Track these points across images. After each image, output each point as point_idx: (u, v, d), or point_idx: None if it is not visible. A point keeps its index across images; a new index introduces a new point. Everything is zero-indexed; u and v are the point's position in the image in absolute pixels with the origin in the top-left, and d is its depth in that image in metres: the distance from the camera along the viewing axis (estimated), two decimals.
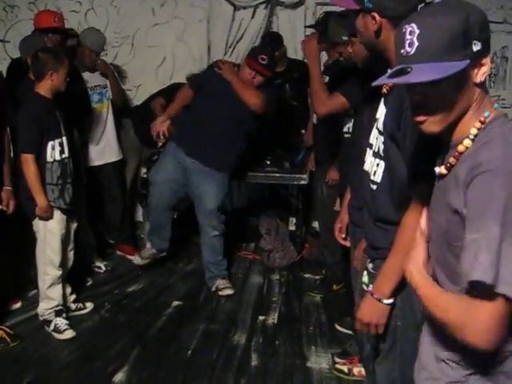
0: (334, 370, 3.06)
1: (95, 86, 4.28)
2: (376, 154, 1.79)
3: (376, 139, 1.79)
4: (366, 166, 1.86)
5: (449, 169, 1.22)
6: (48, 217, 3.24)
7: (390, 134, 1.68)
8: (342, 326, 3.46)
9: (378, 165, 1.78)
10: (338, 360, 3.09)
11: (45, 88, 3.20)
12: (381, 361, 1.89)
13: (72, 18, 4.86)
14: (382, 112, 1.75)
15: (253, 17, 5.09)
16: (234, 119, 3.75)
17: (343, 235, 2.55)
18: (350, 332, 3.33)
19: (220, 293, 3.91)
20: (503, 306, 1.08)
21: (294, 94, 4.62)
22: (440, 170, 1.25)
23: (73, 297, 3.61)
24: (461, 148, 1.18)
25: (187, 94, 3.95)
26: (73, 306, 3.59)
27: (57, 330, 3.34)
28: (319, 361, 3.16)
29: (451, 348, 1.27)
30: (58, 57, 3.19)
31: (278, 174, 4.40)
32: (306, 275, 4.34)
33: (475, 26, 1.14)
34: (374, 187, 1.80)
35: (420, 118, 1.21)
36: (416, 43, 1.14)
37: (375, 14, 1.65)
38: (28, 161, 3.13)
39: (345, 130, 3.22)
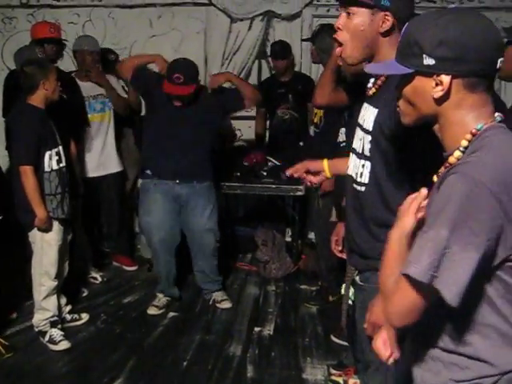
0: (330, 381, 3.05)
1: (98, 95, 4.28)
2: (361, 155, 1.78)
3: (360, 140, 1.78)
4: (349, 171, 1.85)
5: (440, 179, 1.22)
6: (47, 228, 3.24)
7: (382, 131, 1.67)
8: (338, 338, 3.46)
9: (363, 166, 1.77)
10: (333, 371, 3.09)
11: (38, 99, 3.20)
12: (373, 372, 1.89)
13: (70, 29, 4.87)
14: (367, 113, 1.74)
15: (249, 29, 5.11)
16: (195, 124, 3.63)
17: (340, 248, 2.55)
18: (345, 343, 3.33)
19: (218, 305, 3.89)
20: (422, 298, 1.13)
21: (296, 106, 4.65)
22: (434, 180, 1.26)
23: (68, 307, 3.61)
24: (451, 160, 1.19)
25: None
26: (68, 317, 3.59)
27: (52, 341, 3.33)
28: (315, 372, 3.15)
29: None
30: (44, 65, 3.21)
31: (274, 185, 4.40)
32: (302, 286, 4.34)
33: (432, 41, 1.15)
34: (362, 189, 1.78)
35: (397, 109, 1.31)
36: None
37: (389, 14, 1.62)
38: (27, 172, 3.13)
39: (340, 139, 3.24)
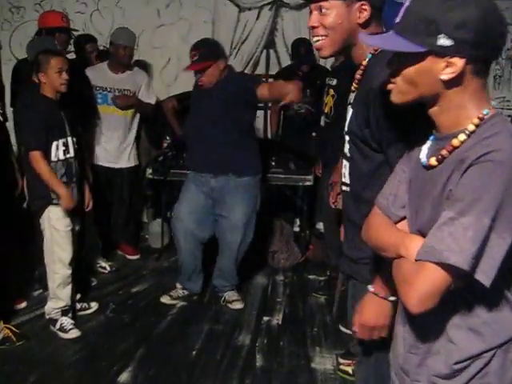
0: (339, 370, 3.05)
1: (124, 90, 4.29)
2: (345, 157, 1.75)
3: (345, 141, 1.75)
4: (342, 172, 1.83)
5: (440, 161, 1.21)
6: (73, 204, 3.24)
7: (355, 132, 1.64)
8: (346, 327, 3.45)
9: (345, 166, 1.74)
10: (342, 361, 3.08)
11: (45, 90, 3.20)
12: (358, 364, 1.88)
13: (77, 19, 4.89)
14: (348, 113, 1.71)
15: (258, 18, 5.11)
16: (226, 118, 3.51)
17: None
18: None
19: (229, 305, 3.81)
20: (451, 281, 1.12)
21: (312, 100, 4.62)
22: (430, 161, 1.24)
23: (78, 296, 3.62)
24: (455, 142, 1.17)
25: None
26: (78, 306, 3.60)
27: (62, 329, 3.35)
28: (323, 361, 3.16)
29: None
30: (45, 57, 3.18)
31: (283, 175, 4.40)
32: (311, 276, 4.35)
33: (454, 21, 1.11)
34: (347, 189, 1.76)
35: (389, 86, 1.26)
36: (401, 14, 1.19)
37: (365, 3, 1.56)
38: (36, 157, 3.14)
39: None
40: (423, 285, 1.13)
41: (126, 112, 4.32)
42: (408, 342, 1.34)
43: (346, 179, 1.75)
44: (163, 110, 4.51)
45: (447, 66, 1.14)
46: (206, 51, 3.46)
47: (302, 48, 4.56)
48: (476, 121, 1.16)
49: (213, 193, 3.64)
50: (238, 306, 3.82)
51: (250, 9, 5.07)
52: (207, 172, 3.61)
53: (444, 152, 1.20)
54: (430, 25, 1.12)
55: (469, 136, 1.16)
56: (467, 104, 1.18)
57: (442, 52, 1.13)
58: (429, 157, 1.25)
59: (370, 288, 1.60)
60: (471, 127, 1.16)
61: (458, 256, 1.08)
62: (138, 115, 4.43)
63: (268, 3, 5.06)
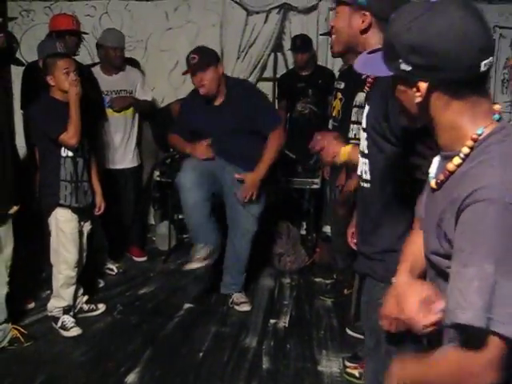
0: (345, 373, 3.05)
1: (121, 90, 4.31)
2: (362, 154, 1.79)
3: (362, 139, 1.79)
4: (358, 171, 1.86)
5: (439, 185, 1.18)
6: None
7: (374, 127, 1.68)
8: (353, 331, 3.46)
9: (365, 163, 1.78)
10: (348, 364, 3.08)
11: (55, 92, 3.24)
12: (368, 359, 1.90)
13: (86, 22, 4.91)
14: (364, 110, 1.77)
15: (265, 22, 5.12)
16: (240, 130, 3.58)
17: (355, 240, 2.55)
18: (361, 336, 3.33)
19: (237, 307, 3.80)
20: (498, 348, 1.01)
21: (315, 100, 4.65)
22: (431, 183, 1.21)
23: (85, 298, 3.64)
24: (450, 167, 1.13)
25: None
26: (85, 307, 3.62)
27: (63, 327, 3.38)
28: (330, 364, 3.16)
29: None
30: (52, 60, 3.20)
31: (290, 178, 4.41)
32: (317, 279, 4.35)
33: (405, 47, 1.08)
34: (368, 185, 1.79)
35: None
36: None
37: (366, 13, 1.68)
38: (64, 137, 3.15)
39: (350, 135, 3.23)
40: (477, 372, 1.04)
41: (125, 112, 4.35)
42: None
43: (367, 175, 1.78)
44: (171, 112, 4.53)
45: (417, 90, 1.11)
46: (206, 55, 3.53)
47: (297, 40, 4.66)
48: (470, 143, 1.10)
49: (223, 169, 3.65)
50: (246, 308, 3.81)
51: (258, 12, 5.09)
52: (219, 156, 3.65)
53: (441, 177, 1.16)
54: (391, 50, 1.12)
55: (464, 160, 1.11)
56: (458, 123, 1.12)
57: (406, 76, 1.12)
58: (436, 175, 1.21)
59: (393, 279, 1.64)
60: (465, 150, 1.10)
61: (468, 312, 1.00)
62: (136, 116, 4.46)
63: (276, 7, 5.07)
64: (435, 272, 1.22)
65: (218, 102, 3.61)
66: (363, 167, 1.80)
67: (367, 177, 1.79)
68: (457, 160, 1.12)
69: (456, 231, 1.06)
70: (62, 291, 3.40)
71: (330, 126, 3.78)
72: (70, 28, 3.90)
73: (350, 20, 1.71)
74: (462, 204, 1.05)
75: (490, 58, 1.07)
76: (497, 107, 1.15)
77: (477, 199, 1.03)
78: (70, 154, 3.27)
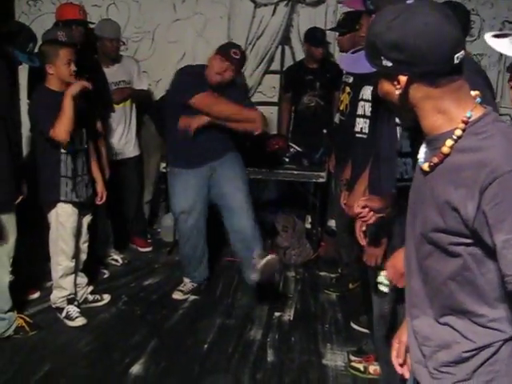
0: (350, 367, 3.06)
1: (119, 82, 4.30)
2: (400, 154, 1.85)
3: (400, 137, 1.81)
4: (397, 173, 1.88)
5: (432, 168, 1.23)
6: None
7: None
8: (358, 325, 3.46)
9: (406, 163, 1.82)
10: (353, 358, 3.09)
11: (51, 82, 3.18)
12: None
13: (94, 12, 4.87)
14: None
15: (273, 14, 5.08)
16: None
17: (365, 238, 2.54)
18: (365, 330, 3.33)
19: (263, 261, 3.54)
20: None
21: (322, 94, 4.64)
22: (423, 166, 1.26)
23: (90, 288, 3.66)
24: (445, 150, 1.20)
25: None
26: (90, 298, 3.63)
27: (68, 317, 3.39)
28: (335, 358, 3.16)
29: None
30: (53, 48, 3.15)
31: (296, 172, 4.40)
32: (322, 273, 4.35)
33: (386, 44, 1.18)
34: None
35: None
36: None
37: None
38: (57, 129, 3.06)
39: (357, 129, 3.21)
40: None
41: (125, 103, 4.35)
42: (422, 335, 1.36)
43: (408, 175, 1.82)
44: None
45: (398, 83, 1.21)
46: (243, 59, 3.63)
47: (318, 33, 4.61)
48: (462, 125, 1.18)
49: (211, 177, 3.67)
50: (273, 256, 3.67)
51: (265, 5, 5.05)
52: (207, 163, 3.64)
53: (435, 160, 1.22)
54: (373, 48, 1.22)
55: (456, 141, 1.18)
56: (443, 108, 1.21)
57: (387, 72, 1.22)
58: (425, 160, 1.27)
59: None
60: (458, 132, 1.18)
61: None
62: (134, 106, 4.46)
63: None
64: (431, 249, 1.26)
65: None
66: (403, 167, 1.81)
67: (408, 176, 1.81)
68: (449, 142, 1.19)
69: (488, 206, 1.12)
70: (62, 281, 3.41)
71: (336, 120, 3.75)
72: (76, 18, 3.88)
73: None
74: (484, 181, 1.11)
75: (462, 51, 1.18)
76: (475, 93, 1.24)
77: (498, 174, 1.10)
78: (70, 149, 3.23)
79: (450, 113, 1.20)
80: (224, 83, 3.54)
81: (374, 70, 1.25)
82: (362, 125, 3.16)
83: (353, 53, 1.40)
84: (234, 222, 3.73)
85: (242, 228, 3.72)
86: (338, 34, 4.03)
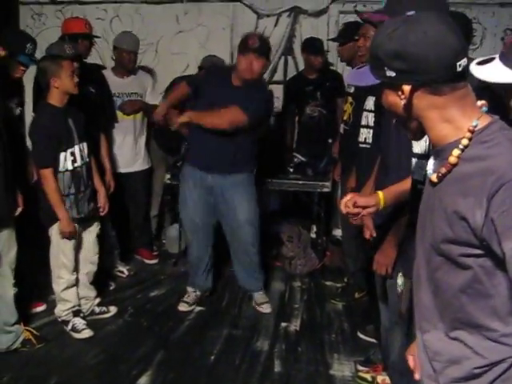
0: (357, 377, 3.04)
1: (131, 93, 4.33)
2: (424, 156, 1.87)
3: (424, 141, 1.85)
4: (415, 176, 1.89)
5: (440, 178, 1.24)
6: (71, 232, 3.26)
7: None
8: (365, 334, 3.45)
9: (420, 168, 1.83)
10: (361, 368, 3.07)
11: (53, 97, 3.17)
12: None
13: (98, 25, 4.91)
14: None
15: (276, 25, 5.12)
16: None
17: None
18: (372, 340, 3.33)
19: (259, 308, 3.81)
20: None
21: (324, 103, 4.66)
22: (431, 177, 1.27)
23: (97, 300, 3.66)
24: (452, 159, 1.20)
25: (184, 89, 3.71)
26: (97, 310, 3.63)
27: (75, 329, 3.39)
28: (342, 368, 3.15)
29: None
30: (56, 62, 3.15)
31: (301, 182, 4.40)
32: (328, 283, 4.34)
33: (388, 55, 1.20)
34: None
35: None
36: None
37: None
38: (46, 175, 3.15)
39: (360, 139, 3.23)
40: None
41: (135, 116, 4.36)
42: (432, 349, 1.34)
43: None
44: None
45: (402, 93, 1.22)
46: (265, 44, 3.58)
47: (317, 42, 4.64)
48: (468, 134, 1.18)
49: (212, 190, 3.65)
50: (267, 309, 3.81)
51: (268, 15, 5.09)
52: (206, 171, 3.61)
53: (443, 170, 1.22)
54: (376, 59, 1.24)
55: (463, 150, 1.18)
56: (449, 117, 1.21)
57: (391, 82, 1.23)
58: (433, 171, 1.27)
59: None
60: (465, 141, 1.18)
61: None
62: (145, 119, 4.47)
63: (286, 10, 5.07)
64: (441, 261, 1.25)
65: (236, 83, 3.57)
66: (419, 171, 1.83)
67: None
68: (456, 151, 1.19)
69: (495, 213, 1.11)
70: (65, 294, 3.42)
71: (341, 130, 3.77)
72: (82, 31, 3.91)
73: None
74: (491, 189, 1.11)
75: (465, 58, 1.19)
76: (481, 103, 1.24)
77: (505, 181, 1.10)
78: (70, 167, 3.24)
79: (455, 121, 1.20)
80: (258, 76, 3.54)
81: (379, 81, 1.26)
82: (365, 135, 3.19)
83: (358, 69, 1.43)
84: (234, 251, 3.83)
85: (240, 265, 3.84)
86: (338, 43, 4.06)
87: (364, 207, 2.04)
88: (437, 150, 1.27)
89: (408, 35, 1.17)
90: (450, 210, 1.19)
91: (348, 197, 2.06)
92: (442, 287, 1.27)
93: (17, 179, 3.15)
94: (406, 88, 1.20)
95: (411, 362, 1.52)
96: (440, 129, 1.22)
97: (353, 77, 1.59)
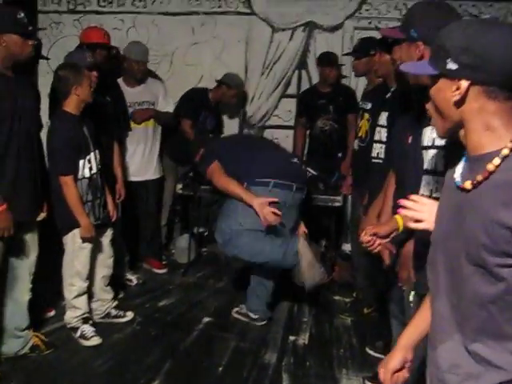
0: None
1: (143, 102, 4.37)
2: (434, 172, 1.86)
3: (432, 158, 1.83)
4: (422, 191, 1.88)
5: (475, 185, 1.22)
6: (92, 237, 3.30)
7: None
8: (374, 350, 3.43)
9: (437, 182, 1.82)
10: None
11: (71, 105, 3.20)
12: None
13: (114, 35, 4.92)
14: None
15: (291, 39, 5.16)
16: None
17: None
18: (381, 356, 3.29)
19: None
20: None
21: (336, 117, 4.68)
22: (465, 184, 1.25)
23: (115, 303, 3.71)
24: (490, 167, 1.19)
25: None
26: (113, 312, 3.68)
27: (83, 336, 3.39)
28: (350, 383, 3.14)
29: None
30: (78, 70, 3.19)
31: (312, 196, 4.40)
32: (336, 297, 4.32)
33: (458, 47, 1.21)
34: None
35: (428, 110, 1.35)
36: None
37: (420, 43, 1.90)
38: (68, 183, 3.18)
39: (373, 155, 3.23)
40: None
41: (147, 124, 4.40)
42: (448, 361, 1.32)
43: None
44: (182, 131, 4.63)
45: (457, 89, 1.22)
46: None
47: (331, 55, 4.72)
48: (510, 144, 1.18)
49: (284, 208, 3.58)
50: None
51: (283, 29, 5.13)
52: (291, 181, 3.61)
53: (479, 177, 1.20)
54: (441, 50, 1.24)
55: (503, 160, 1.18)
56: (493, 125, 1.21)
57: (450, 75, 1.23)
58: (463, 179, 1.26)
59: None
60: (505, 151, 1.17)
61: None
62: (158, 127, 4.51)
63: (301, 24, 5.11)
64: (473, 271, 1.22)
65: None
66: (435, 186, 1.87)
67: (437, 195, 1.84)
68: (497, 160, 1.18)
69: None
70: (75, 301, 3.42)
71: (355, 147, 3.75)
72: (101, 41, 3.96)
73: (410, 53, 1.94)
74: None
75: None
76: None
77: None
78: (87, 174, 3.27)
79: (498, 131, 1.21)
80: None
81: (431, 72, 1.27)
82: (378, 150, 3.19)
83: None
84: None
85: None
86: (353, 58, 4.09)
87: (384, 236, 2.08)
88: (472, 158, 1.26)
89: (484, 33, 1.19)
90: (488, 218, 1.17)
91: (368, 229, 2.09)
92: (469, 298, 1.24)
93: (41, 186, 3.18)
94: (464, 84, 1.20)
95: (381, 375, 1.54)
96: (480, 135, 1.22)
97: (408, 65, 1.64)
